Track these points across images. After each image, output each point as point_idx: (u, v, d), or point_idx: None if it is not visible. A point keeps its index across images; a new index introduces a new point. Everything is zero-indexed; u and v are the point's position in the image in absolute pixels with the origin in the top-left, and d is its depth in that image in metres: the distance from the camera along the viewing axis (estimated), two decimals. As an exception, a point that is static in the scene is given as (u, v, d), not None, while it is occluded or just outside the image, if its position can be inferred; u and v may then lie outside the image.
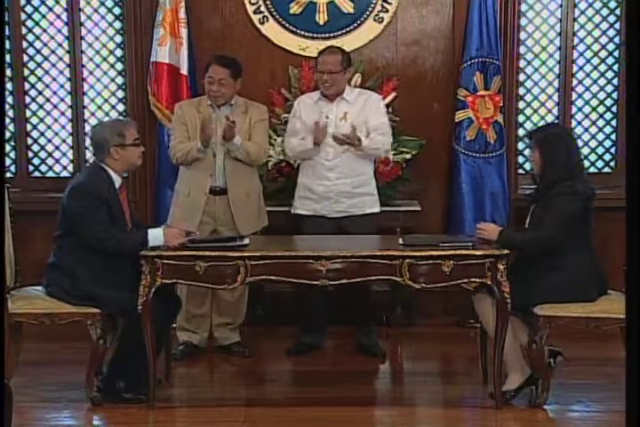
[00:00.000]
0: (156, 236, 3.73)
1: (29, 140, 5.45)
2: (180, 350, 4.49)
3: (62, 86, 5.40)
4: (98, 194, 3.75)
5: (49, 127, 5.45)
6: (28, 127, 5.43)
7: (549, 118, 5.37)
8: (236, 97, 4.48)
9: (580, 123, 5.41)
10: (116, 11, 5.33)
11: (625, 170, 2.64)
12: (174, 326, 4.42)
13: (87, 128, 5.41)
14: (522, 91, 5.35)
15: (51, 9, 5.34)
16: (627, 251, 2.45)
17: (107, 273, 3.75)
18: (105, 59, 5.38)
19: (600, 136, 5.42)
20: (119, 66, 5.37)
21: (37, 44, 5.36)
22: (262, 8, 5.21)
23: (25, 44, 5.35)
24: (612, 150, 5.42)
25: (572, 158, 3.83)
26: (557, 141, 3.83)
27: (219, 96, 4.41)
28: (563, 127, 4.32)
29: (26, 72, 5.38)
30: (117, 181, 3.87)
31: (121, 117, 4.06)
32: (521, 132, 5.29)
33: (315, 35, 5.20)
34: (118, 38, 5.35)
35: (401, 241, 3.86)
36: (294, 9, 5.21)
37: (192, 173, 4.44)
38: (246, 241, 3.86)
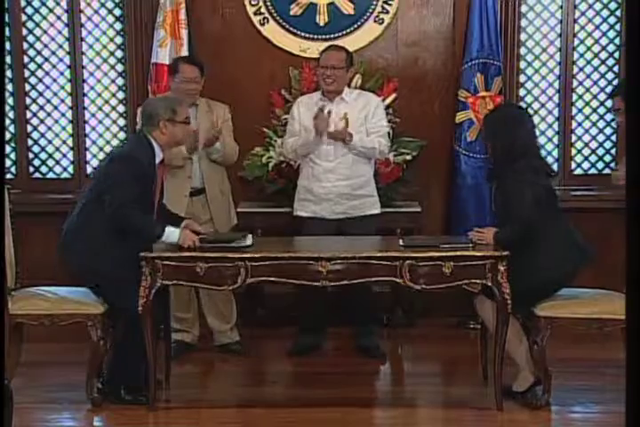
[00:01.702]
0: (172, 233, 3.71)
1: (30, 142, 5.45)
2: (172, 349, 4.49)
3: (63, 88, 5.41)
4: (138, 165, 3.73)
5: (49, 128, 5.45)
6: (29, 128, 5.44)
7: (550, 119, 5.38)
8: (198, 97, 4.50)
9: (580, 124, 5.41)
10: (117, 12, 5.34)
11: (625, 171, 2.65)
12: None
13: (87, 129, 5.43)
14: (522, 92, 5.35)
15: (51, 10, 5.34)
16: (627, 252, 2.45)
17: (119, 250, 3.72)
18: (105, 60, 5.38)
19: (600, 137, 5.42)
20: (120, 67, 5.38)
21: (38, 46, 5.36)
22: (263, 9, 5.21)
23: (25, 46, 5.36)
24: (613, 151, 5.41)
25: (513, 140, 3.77)
26: (498, 125, 3.83)
27: (195, 94, 4.43)
28: (509, 107, 4.25)
29: (26, 73, 5.38)
30: (159, 155, 3.85)
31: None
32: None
33: (315, 36, 5.21)
34: (119, 39, 5.36)
35: (401, 242, 3.86)
36: (295, 10, 5.21)
37: (169, 176, 4.44)
38: (249, 241, 3.86)
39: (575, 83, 5.36)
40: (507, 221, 3.76)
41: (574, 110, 5.38)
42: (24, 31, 5.34)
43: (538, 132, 4.34)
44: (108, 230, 3.72)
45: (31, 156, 5.47)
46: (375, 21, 5.21)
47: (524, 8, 5.27)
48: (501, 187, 3.80)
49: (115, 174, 3.71)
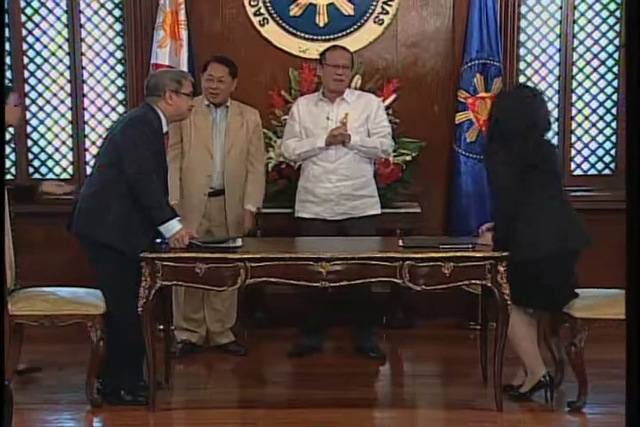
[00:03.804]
0: (172, 227, 3.70)
1: (29, 142, 5.45)
2: (179, 349, 4.52)
3: (62, 88, 5.41)
4: (154, 128, 3.74)
5: (49, 129, 5.45)
6: (28, 129, 5.44)
7: (549, 120, 5.37)
8: (230, 99, 4.51)
9: (580, 125, 5.41)
10: (116, 13, 5.34)
11: (625, 172, 2.65)
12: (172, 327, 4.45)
13: (87, 130, 5.43)
14: (522, 93, 5.34)
15: (51, 11, 5.34)
16: (627, 252, 2.46)
17: (135, 217, 3.69)
18: (105, 60, 5.38)
19: (600, 138, 5.42)
20: (119, 68, 5.38)
21: (37, 46, 5.37)
22: (262, 10, 5.21)
23: (25, 46, 5.36)
24: (612, 152, 5.42)
25: (500, 122, 3.75)
26: (498, 101, 3.88)
27: (218, 93, 4.44)
28: (515, 91, 4.16)
29: (26, 74, 5.38)
30: (164, 126, 3.85)
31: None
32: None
33: (315, 37, 5.22)
34: (118, 40, 5.36)
35: (401, 243, 3.85)
36: (294, 11, 5.22)
37: (188, 174, 4.45)
38: (239, 243, 3.86)
39: (575, 84, 5.36)
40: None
41: (574, 111, 5.39)
42: (23, 32, 5.34)
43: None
44: (125, 202, 3.67)
45: (31, 156, 5.47)
46: (375, 22, 5.22)
47: (523, 9, 5.27)
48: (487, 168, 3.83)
49: (133, 137, 3.67)
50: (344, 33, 5.20)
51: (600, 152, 5.43)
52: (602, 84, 5.37)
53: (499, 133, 3.74)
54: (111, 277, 3.71)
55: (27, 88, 5.40)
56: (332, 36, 5.19)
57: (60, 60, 5.39)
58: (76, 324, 3.77)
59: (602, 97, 5.38)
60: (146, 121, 3.74)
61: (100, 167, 3.80)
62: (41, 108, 5.42)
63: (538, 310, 3.85)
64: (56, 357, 4.45)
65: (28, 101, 5.40)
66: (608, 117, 5.39)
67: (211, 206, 4.47)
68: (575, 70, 5.35)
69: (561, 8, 5.28)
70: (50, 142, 5.46)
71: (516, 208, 3.65)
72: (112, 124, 3.93)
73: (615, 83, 5.34)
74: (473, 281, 3.71)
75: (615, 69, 5.34)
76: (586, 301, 3.74)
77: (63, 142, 5.47)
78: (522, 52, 5.32)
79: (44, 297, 3.82)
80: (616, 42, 5.31)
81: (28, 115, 5.42)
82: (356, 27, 5.21)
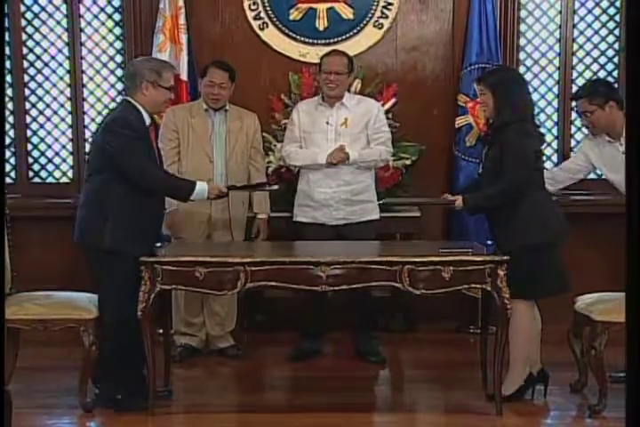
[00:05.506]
0: (201, 190, 3.80)
1: (29, 146, 5.45)
2: (178, 353, 4.52)
3: (62, 92, 5.41)
4: (135, 128, 3.69)
5: (49, 133, 5.45)
6: (28, 133, 5.44)
7: (549, 124, 5.38)
8: (228, 103, 4.53)
9: (579, 129, 5.40)
10: (116, 17, 5.35)
11: (625, 175, 2.65)
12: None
13: (87, 134, 5.42)
14: (521, 97, 5.34)
15: (51, 15, 5.34)
16: (627, 255, 2.45)
17: (136, 218, 3.68)
18: (105, 65, 5.39)
19: (600, 142, 5.41)
20: (119, 72, 5.38)
21: (37, 51, 5.37)
22: (262, 14, 5.22)
23: (25, 51, 5.36)
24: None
25: (522, 101, 3.82)
26: (509, 85, 3.83)
27: (219, 99, 4.45)
28: (513, 70, 4.38)
29: (26, 78, 5.39)
30: (147, 119, 3.79)
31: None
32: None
33: (315, 41, 5.22)
34: (118, 44, 5.36)
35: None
36: (294, 15, 5.22)
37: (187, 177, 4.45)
38: (275, 187, 4.11)
39: (574, 88, 5.35)
40: (495, 182, 3.75)
41: (573, 115, 5.38)
42: (24, 36, 5.34)
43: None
44: (122, 206, 3.66)
45: (30, 160, 5.46)
46: (375, 26, 5.22)
47: (523, 13, 5.28)
48: (499, 147, 3.75)
49: (118, 143, 3.63)
50: (344, 37, 5.21)
51: (600, 156, 5.42)
52: (601, 88, 5.36)
53: (515, 114, 3.75)
54: (114, 282, 3.69)
55: (27, 92, 5.40)
56: (331, 41, 5.19)
57: (60, 64, 5.39)
58: (70, 328, 3.75)
59: (602, 101, 5.37)
60: (125, 123, 3.68)
61: (92, 175, 3.76)
62: (41, 112, 5.42)
63: (543, 298, 3.85)
64: (53, 361, 4.45)
65: (27, 105, 5.41)
66: (608, 121, 5.38)
67: (211, 209, 4.46)
68: (575, 74, 5.36)
69: (560, 12, 5.29)
70: (50, 146, 5.46)
71: (526, 185, 3.70)
72: (97, 127, 3.91)
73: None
74: (473, 285, 3.71)
75: (615, 74, 5.35)
76: (606, 304, 3.74)
77: (63, 146, 5.46)
78: (521, 56, 5.32)
79: (38, 301, 3.80)
80: (615, 46, 5.32)
81: (28, 118, 5.42)
82: (355, 31, 5.21)
